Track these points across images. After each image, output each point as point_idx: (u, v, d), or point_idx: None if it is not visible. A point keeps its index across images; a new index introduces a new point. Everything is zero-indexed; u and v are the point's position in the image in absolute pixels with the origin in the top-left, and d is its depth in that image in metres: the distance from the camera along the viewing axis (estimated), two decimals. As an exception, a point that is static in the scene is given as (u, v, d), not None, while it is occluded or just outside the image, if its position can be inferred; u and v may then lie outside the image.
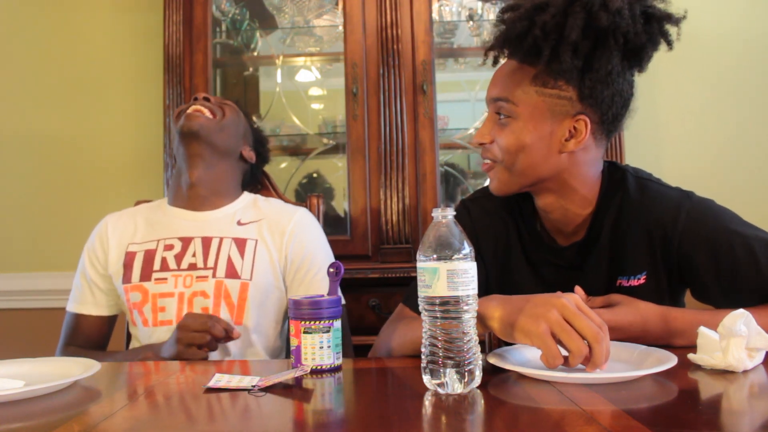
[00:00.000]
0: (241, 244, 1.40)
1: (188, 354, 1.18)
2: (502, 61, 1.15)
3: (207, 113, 1.43)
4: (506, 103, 1.09)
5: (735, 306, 1.07)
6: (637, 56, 1.08)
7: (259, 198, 1.53)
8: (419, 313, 1.16)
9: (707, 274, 1.09)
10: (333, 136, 2.26)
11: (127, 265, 1.41)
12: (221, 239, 1.40)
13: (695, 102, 2.26)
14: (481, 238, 1.22)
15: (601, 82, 1.06)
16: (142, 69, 2.33)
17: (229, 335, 1.21)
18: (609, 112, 1.09)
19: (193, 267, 1.37)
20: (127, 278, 1.40)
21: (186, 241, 1.40)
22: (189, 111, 1.43)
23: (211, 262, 1.37)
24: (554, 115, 1.08)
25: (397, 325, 1.14)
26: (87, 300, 1.45)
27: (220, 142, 1.45)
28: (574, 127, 1.08)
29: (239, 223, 1.44)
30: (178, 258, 1.39)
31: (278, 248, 1.41)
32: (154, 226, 1.45)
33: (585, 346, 0.83)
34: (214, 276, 1.36)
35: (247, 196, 1.53)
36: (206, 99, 1.46)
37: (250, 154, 1.55)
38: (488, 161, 1.14)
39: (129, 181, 2.33)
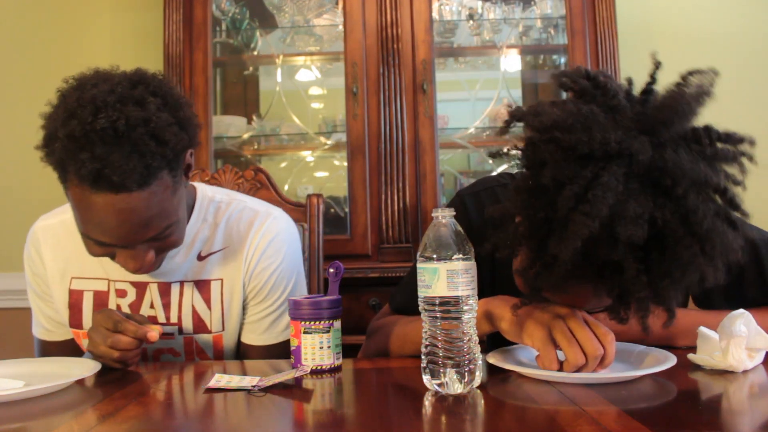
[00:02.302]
0: (205, 289, 1.16)
1: (112, 365, 1.01)
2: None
3: (156, 263, 1.07)
4: None
5: (736, 308, 1.08)
6: None
7: (220, 207, 1.20)
8: (400, 314, 1.16)
9: None
10: (333, 135, 2.26)
11: (75, 307, 1.17)
12: (182, 284, 1.16)
13: (695, 101, 2.26)
14: (476, 234, 1.21)
15: None
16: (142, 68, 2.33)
17: (141, 340, 1.00)
18: None
19: (152, 320, 1.13)
20: (76, 322, 1.17)
21: (140, 288, 1.16)
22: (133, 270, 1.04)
23: (174, 317, 1.16)
24: None
25: (392, 327, 1.13)
26: (44, 325, 1.23)
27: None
28: None
29: (200, 257, 1.16)
30: (134, 308, 1.16)
31: (242, 275, 1.18)
32: (99, 258, 1.09)
33: (581, 357, 0.83)
34: (180, 332, 1.16)
35: (203, 202, 1.19)
36: (146, 267, 1.04)
37: (189, 165, 1.08)
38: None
39: (129, 180, 2.33)
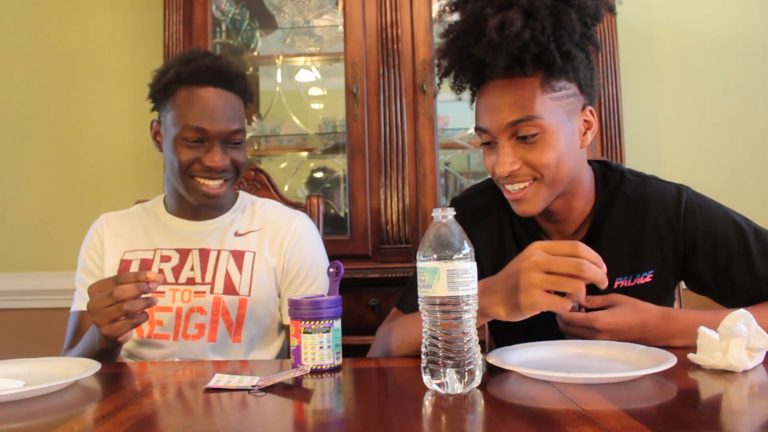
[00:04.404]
0: (239, 257, 1.36)
1: (116, 331, 1.05)
2: (458, 91, 1.14)
3: (225, 186, 1.33)
4: (531, 120, 1.04)
5: (726, 294, 1.09)
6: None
7: (256, 202, 1.47)
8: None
9: (705, 259, 1.12)
10: (333, 136, 2.26)
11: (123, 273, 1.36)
12: (219, 252, 1.36)
13: (695, 102, 2.26)
14: (475, 236, 1.22)
15: (591, 68, 1.09)
16: (142, 69, 2.33)
17: (146, 288, 1.05)
18: (594, 93, 1.12)
19: (191, 281, 1.34)
20: None
21: (183, 253, 1.36)
22: (206, 190, 1.31)
23: (209, 277, 1.34)
24: (569, 115, 1.08)
25: (392, 326, 1.14)
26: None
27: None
28: (584, 120, 1.11)
29: (237, 234, 1.39)
30: (176, 271, 1.35)
31: (277, 257, 1.38)
32: (150, 233, 1.40)
33: (578, 283, 0.84)
34: (212, 292, 1.33)
35: (243, 199, 1.46)
36: (223, 169, 1.30)
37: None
38: (523, 185, 1.08)
39: (129, 181, 2.33)
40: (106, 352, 1.14)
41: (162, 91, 1.32)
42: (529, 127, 1.04)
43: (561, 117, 1.06)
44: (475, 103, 1.13)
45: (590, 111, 1.11)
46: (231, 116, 1.30)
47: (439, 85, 1.18)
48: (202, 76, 1.29)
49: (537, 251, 0.88)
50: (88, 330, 1.20)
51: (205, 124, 1.27)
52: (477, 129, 1.11)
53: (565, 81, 1.06)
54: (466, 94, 1.15)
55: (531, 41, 1.00)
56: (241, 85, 1.34)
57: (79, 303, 1.40)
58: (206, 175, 1.30)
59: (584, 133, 1.11)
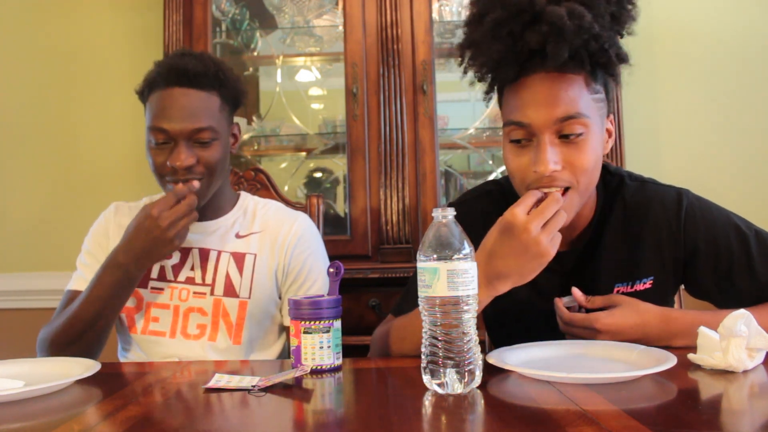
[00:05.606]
0: (239, 259, 1.36)
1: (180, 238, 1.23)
2: (478, 86, 1.13)
3: (196, 186, 1.27)
4: (580, 119, 0.99)
5: (728, 299, 1.09)
6: None
7: (258, 204, 1.44)
8: None
9: (706, 264, 1.11)
10: (333, 136, 2.26)
11: None
12: (219, 253, 1.36)
13: (695, 102, 2.26)
14: (472, 241, 1.21)
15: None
16: (142, 69, 2.32)
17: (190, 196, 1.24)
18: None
19: (190, 281, 1.34)
20: None
21: (184, 252, 1.36)
22: (177, 194, 1.25)
23: (209, 278, 1.34)
24: (601, 120, 1.05)
25: (389, 327, 1.13)
26: (88, 278, 1.36)
27: (216, 187, 1.34)
28: (606, 128, 1.08)
29: (238, 236, 1.38)
30: (176, 269, 1.36)
31: (278, 259, 1.37)
32: None
33: (560, 215, 0.94)
34: (212, 293, 1.33)
35: (245, 200, 1.45)
36: (188, 169, 1.26)
37: (236, 135, 1.41)
38: (555, 190, 1.00)
39: (129, 181, 2.33)
40: (129, 285, 1.25)
41: (141, 96, 1.35)
42: (577, 125, 0.99)
43: (598, 120, 1.03)
44: (506, 96, 1.06)
45: (611, 120, 1.09)
46: (194, 114, 1.26)
47: (466, 71, 1.10)
48: (165, 77, 1.28)
49: (532, 225, 0.92)
50: (89, 285, 1.27)
51: (164, 124, 1.25)
52: (511, 123, 1.03)
53: (599, 84, 1.03)
54: (475, 92, 1.14)
55: (594, 37, 0.96)
56: (211, 81, 1.29)
57: (78, 282, 1.39)
58: (176, 178, 1.27)
59: (606, 141, 1.08)
